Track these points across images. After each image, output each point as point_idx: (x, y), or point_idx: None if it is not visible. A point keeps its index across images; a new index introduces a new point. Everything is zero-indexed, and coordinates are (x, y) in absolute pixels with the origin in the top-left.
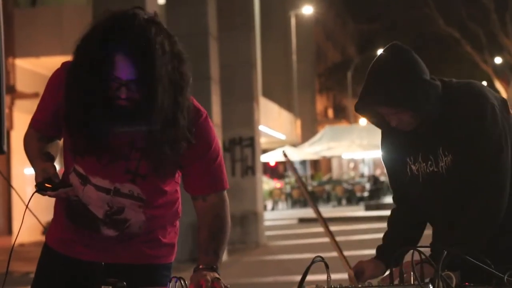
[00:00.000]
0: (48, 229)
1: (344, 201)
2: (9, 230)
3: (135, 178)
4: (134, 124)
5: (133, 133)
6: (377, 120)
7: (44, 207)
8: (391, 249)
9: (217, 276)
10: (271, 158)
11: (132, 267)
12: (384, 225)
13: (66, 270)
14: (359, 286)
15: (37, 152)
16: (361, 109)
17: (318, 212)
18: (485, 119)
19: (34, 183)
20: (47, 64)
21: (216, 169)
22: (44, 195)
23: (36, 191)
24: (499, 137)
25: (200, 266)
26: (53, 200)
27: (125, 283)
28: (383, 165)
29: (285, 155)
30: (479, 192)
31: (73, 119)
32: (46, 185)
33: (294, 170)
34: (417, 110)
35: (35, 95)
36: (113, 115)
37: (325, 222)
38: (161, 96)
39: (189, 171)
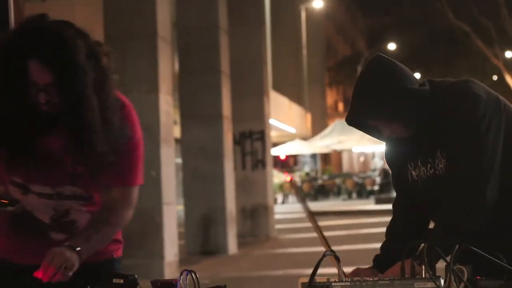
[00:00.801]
0: None
1: (354, 195)
2: None
3: (74, 180)
4: (58, 128)
5: (64, 136)
6: (371, 131)
7: None
8: (388, 260)
9: (70, 261)
10: (282, 151)
11: (85, 266)
12: None
13: (17, 278)
14: (369, 279)
15: None
16: (352, 123)
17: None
18: (471, 115)
19: None
20: None
21: (129, 163)
22: (4, 211)
23: None
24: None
25: (66, 243)
26: None
27: (136, 275)
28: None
29: (291, 180)
30: (458, 178)
31: (8, 134)
32: (3, 201)
33: (301, 197)
34: (405, 119)
35: None
36: (37, 122)
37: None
38: (83, 96)
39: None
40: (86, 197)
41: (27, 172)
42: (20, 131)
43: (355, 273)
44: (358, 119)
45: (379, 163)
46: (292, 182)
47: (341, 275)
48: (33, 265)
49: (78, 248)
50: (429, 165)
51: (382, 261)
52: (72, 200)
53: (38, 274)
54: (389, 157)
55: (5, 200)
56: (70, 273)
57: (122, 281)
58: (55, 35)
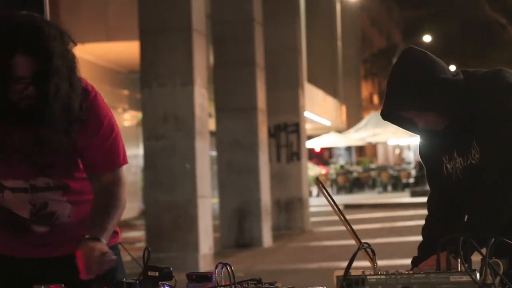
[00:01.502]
0: None
1: (389, 188)
2: None
3: (45, 170)
4: (36, 120)
5: (28, 129)
6: (406, 125)
7: None
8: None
9: (104, 248)
10: (317, 144)
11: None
12: None
13: (15, 270)
14: (405, 272)
15: None
16: (387, 116)
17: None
18: (505, 103)
19: None
20: (93, 51)
21: (110, 147)
22: None
23: None
24: None
25: (86, 237)
26: None
27: (171, 268)
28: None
29: (318, 181)
30: (493, 168)
31: None
32: None
33: (328, 196)
34: (439, 109)
35: None
36: (17, 117)
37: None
38: (57, 86)
39: (83, 152)
40: (62, 186)
41: (3, 169)
42: None
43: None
44: (393, 111)
45: (414, 155)
46: (316, 181)
47: (376, 268)
48: (27, 258)
49: (99, 237)
50: (465, 156)
51: (420, 263)
52: (47, 192)
53: (83, 276)
54: (423, 153)
55: None
56: (113, 257)
57: (157, 273)
58: (34, 27)
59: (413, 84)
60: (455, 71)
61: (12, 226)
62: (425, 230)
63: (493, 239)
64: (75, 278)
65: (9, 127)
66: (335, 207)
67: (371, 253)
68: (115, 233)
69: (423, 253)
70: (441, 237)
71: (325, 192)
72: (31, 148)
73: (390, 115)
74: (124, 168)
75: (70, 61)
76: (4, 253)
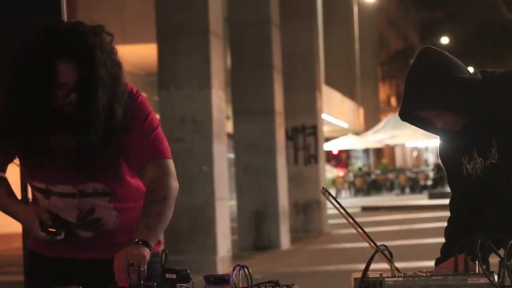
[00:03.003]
0: (27, 236)
1: (407, 190)
2: None
3: (93, 176)
4: (77, 127)
5: (74, 134)
6: (424, 125)
7: None
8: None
9: (144, 253)
10: (334, 146)
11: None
12: (447, 213)
13: (56, 270)
14: (423, 274)
15: (8, 199)
16: (405, 117)
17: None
18: None
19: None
20: None
21: (153, 141)
22: (53, 240)
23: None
24: None
25: (136, 240)
26: None
27: (188, 270)
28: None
29: (325, 191)
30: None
31: (21, 135)
32: (50, 229)
33: (337, 204)
34: (457, 109)
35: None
36: (54, 122)
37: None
38: (99, 94)
39: (128, 150)
40: (109, 193)
41: (46, 173)
42: (36, 131)
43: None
44: (411, 111)
45: (432, 157)
46: (323, 191)
47: (393, 270)
48: (67, 258)
49: (144, 240)
50: (485, 156)
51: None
52: (95, 197)
53: (122, 283)
54: (443, 154)
55: (53, 228)
56: (144, 267)
57: (174, 276)
58: (78, 35)
59: (431, 83)
60: (473, 71)
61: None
62: (447, 232)
63: (511, 241)
64: (113, 281)
65: (56, 133)
66: (345, 215)
67: (389, 255)
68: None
69: (445, 254)
70: (461, 239)
71: (334, 202)
72: (77, 153)
73: (408, 115)
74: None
75: (114, 70)
76: (44, 253)
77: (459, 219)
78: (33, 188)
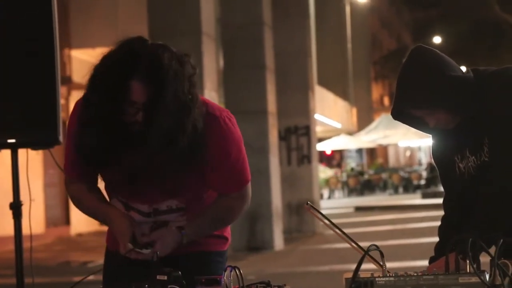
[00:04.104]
0: (107, 234)
1: (400, 189)
2: (67, 220)
3: (169, 194)
4: (141, 145)
5: (150, 153)
6: (416, 124)
7: None
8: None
9: (171, 240)
10: (327, 146)
11: (184, 256)
12: (441, 213)
13: (127, 268)
14: (413, 273)
15: (101, 205)
16: (397, 116)
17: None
18: None
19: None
20: None
21: (239, 170)
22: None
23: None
24: None
25: (178, 225)
26: None
27: (180, 272)
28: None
29: (309, 206)
30: (500, 166)
31: (99, 151)
32: (137, 250)
33: (322, 217)
34: (450, 107)
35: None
36: (128, 140)
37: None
38: (165, 118)
39: (211, 175)
40: (183, 208)
41: (126, 191)
42: (111, 149)
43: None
44: (403, 110)
45: (425, 157)
46: (308, 206)
47: (385, 270)
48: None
49: (184, 231)
50: (478, 154)
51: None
52: (169, 214)
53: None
54: (436, 154)
55: (141, 248)
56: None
57: (166, 277)
58: (155, 58)
59: (423, 82)
60: (465, 70)
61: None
62: (440, 231)
63: (501, 240)
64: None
65: (127, 151)
66: (332, 226)
67: (380, 255)
68: (225, 240)
69: (439, 253)
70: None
71: (320, 216)
72: (153, 171)
73: (401, 114)
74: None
75: (185, 101)
76: (114, 250)
77: (452, 218)
78: (115, 196)
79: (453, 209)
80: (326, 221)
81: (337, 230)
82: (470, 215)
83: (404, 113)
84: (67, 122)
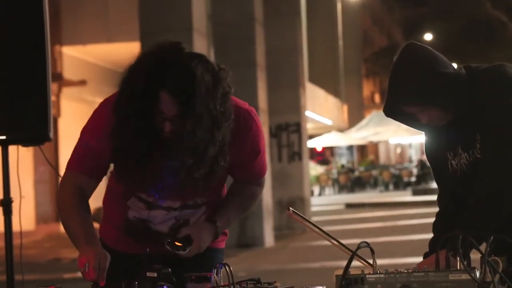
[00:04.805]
0: (101, 227)
1: (391, 186)
2: (57, 217)
3: (198, 192)
4: (174, 154)
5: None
6: (409, 121)
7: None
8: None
9: (207, 236)
10: (318, 143)
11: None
12: (431, 210)
13: (125, 266)
14: (404, 270)
15: (83, 230)
16: (389, 112)
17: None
18: (506, 97)
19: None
20: (94, 52)
21: (264, 161)
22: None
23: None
24: None
25: (213, 219)
26: (100, 188)
27: (170, 269)
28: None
29: (292, 211)
30: (491, 163)
31: (130, 153)
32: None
33: (304, 220)
34: (442, 104)
35: (82, 82)
36: (161, 146)
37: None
38: (192, 132)
39: (239, 170)
40: (206, 202)
41: (158, 191)
42: (146, 152)
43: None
44: (395, 107)
45: (415, 154)
46: (290, 212)
47: (375, 267)
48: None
49: (218, 224)
50: (470, 151)
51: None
52: (193, 209)
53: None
54: (429, 151)
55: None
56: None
57: (156, 274)
58: (187, 71)
59: (415, 79)
60: (458, 66)
61: (144, 237)
62: (435, 227)
63: (492, 237)
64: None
65: (158, 152)
66: (317, 230)
67: (370, 252)
68: (223, 236)
69: (433, 249)
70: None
71: (303, 221)
72: (178, 175)
73: (393, 111)
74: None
75: (217, 114)
76: (116, 248)
77: (446, 214)
78: (133, 196)
79: (447, 206)
80: (311, 225)
81: (324, 234)
82: (462, 212)
83: (396, 110)
84: (88, 122)
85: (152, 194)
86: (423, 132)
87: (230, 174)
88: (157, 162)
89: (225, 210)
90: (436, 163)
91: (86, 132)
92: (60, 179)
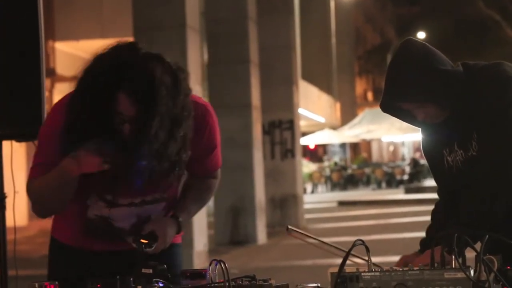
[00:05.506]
0: (53, 227)
1: (384, 184)
2: None
3: (157, 188)
4: (135, 154)
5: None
6: (405, 117)
7: None
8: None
9: (171, 231)
10: (311, 141)
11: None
12: (423, 208)
13: (83, 262)
14: (400, 269)
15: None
16: (386, 109)
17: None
18: (503, 100)
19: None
20: (87, 48)
21: (217, 159)
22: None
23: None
24: None
25: (174, 214)
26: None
27: (165, 265)
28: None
29: (291, 229)
30: (486, 161)
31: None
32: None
33: (304, 237)
34: (439, 101)
35: (75, 78)
36: (121, 146)
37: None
38: (155, 132)
39: (196, 164)
40: (165, 197)
41: (118, 189)
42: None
43: (403, 261)
44: (393, 102)
45: (408, 152)
46: (289, 231)
47: (370, 265)
48: (98, 251)
49: (181, 219)
50: (466, 148)
51: (428, 244)
52: (153, 205)
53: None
54: (425, 147)
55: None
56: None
57: (151, 271)
58: (146, 72)
59: (413, 75)
60: (455, 63)
61: (105, 235)
62: (433, 214)
63: (487, 236)
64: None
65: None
66: (317, 243)
67: (365, 250)
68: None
69: (431, 235)
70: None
71: (303, 236)
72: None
73: (390, 107)
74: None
75: (178, 114)
76: (72, 244)
77: (439, 212)
78: (90, 195)
79: (444, 202)
80: (312, 240)
81: (326, 247)
82: (458, 210)
83: (393, 106)
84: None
85: (112, 193)
86: (419, 129)
87: (187, 169)
88: (119, 161)
89: (185, 204)
90: (432, 159)
91: (42, 138)
92: None
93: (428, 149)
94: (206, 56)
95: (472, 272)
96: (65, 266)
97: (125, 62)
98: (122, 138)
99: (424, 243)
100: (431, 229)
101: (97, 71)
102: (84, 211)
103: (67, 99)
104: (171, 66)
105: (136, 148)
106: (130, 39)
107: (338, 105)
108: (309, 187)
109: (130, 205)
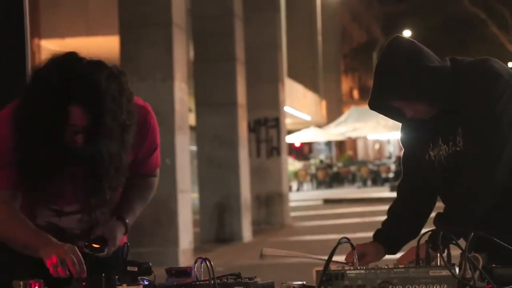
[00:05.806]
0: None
1: (369, 182)
2: None
3: (103, 195)
4: (85, 161)
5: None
6: (393, 114)
7: None
8: (391, 233)
9: (120, 233)
10: (297, 139)
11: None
12: None
13: (33, 267)
14: (385, 267)
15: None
16: (374, 107)
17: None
18: (490, 96)
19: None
20: (73, 45)
21: (157, 158)
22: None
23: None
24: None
25: (120, 215)
26: None
27: (150, 263)
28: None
29: (263, 255)
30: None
31: (35, 167)
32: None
33: (282, 252)
34: (429, 98)
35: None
36: (70, 157)
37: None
38: (107, 142)
39: (137, 164)
40: (108, 200)
41: (62, 198)
42: (51, 165)
43: (359, 250)
44: (382, 100)
45: (394, 150)
46: (263, 255)
47: (355, 263)
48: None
49: (127, 221)
50: (450, 143)
51: (383, 237)
52: (101, 207)
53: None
54: (405, 138)
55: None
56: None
57: (136, 269)
58: (92, 81)
59: (403, 73)
60: (443, 59)
61: (57, 239)
62: (389, 211)
63: (472, 234)
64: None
65: (67, 164)
66: (294, 254)
67: (351, 247)
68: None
69: (385, 229)
70: (404, 225)
71: (279, 254)
72: (87, 181)
73: (378, 104)
74: None
75: (124, 118)
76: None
77: (404, 203)
78: (44, 206)
79: (407, 195)
80: (290, 254)
81: (303, 257)
82: (434, 201)
83: (381, 104)
84: None
85: (58, 203)
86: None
87: (130, 169)
88: (67, 173)
89: (130, 205)
90: (410, 151)
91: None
92: None
93: (408, 141)
94: (192, 54)
95: (457, 270)
96: (15, 271)
97: (72, 74)
98: (75, 148)
99: (380, 235)
100: (387, 223)
101: (43, 87)
102: (33, 220)
103: (10, 113)
104: (113, 71)
105: (93, 155)
106: (69, 50)
107: (324, 103)
108: (294, 185)
109: (77, 213)
